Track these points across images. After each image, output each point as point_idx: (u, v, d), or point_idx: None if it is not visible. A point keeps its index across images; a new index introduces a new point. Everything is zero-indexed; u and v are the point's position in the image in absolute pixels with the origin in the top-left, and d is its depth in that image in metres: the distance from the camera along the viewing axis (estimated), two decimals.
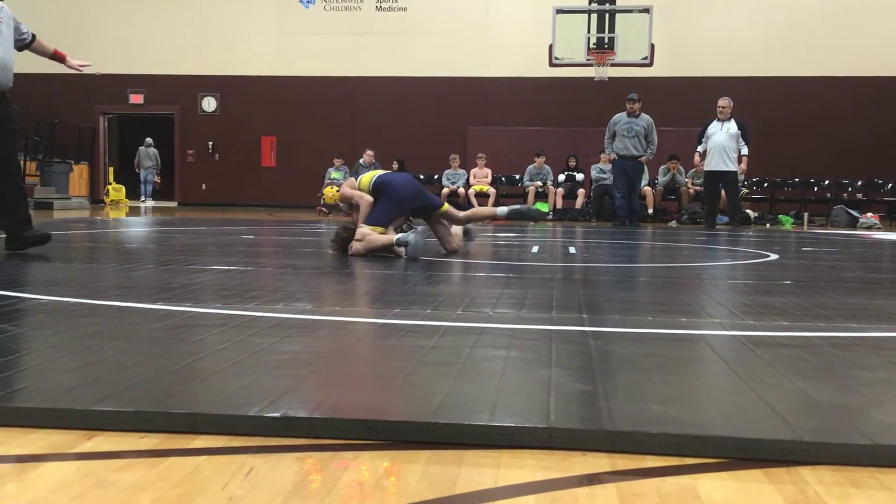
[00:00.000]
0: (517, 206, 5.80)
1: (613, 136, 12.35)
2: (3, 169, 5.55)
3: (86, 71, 6.37)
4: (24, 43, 5.82)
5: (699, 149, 12.19)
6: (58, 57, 6.10)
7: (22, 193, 5.83)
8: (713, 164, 11.84)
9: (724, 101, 11.97)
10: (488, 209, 5.98)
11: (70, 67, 6.17)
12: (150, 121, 20.40)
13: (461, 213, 6.41)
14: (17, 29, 5.74)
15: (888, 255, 7.59)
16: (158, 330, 2.78)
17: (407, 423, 1.73)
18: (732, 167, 11.81)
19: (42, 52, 6.01)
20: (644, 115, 12.29)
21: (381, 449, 1.65)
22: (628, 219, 12.40)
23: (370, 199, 5.99)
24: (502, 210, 6.45)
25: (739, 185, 14.20)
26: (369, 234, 5.82)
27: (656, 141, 12.35)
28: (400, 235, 5.71)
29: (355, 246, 5.80)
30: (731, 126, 11.80)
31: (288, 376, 2.16)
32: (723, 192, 12.24)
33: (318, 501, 1.38)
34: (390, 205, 5.99)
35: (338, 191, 6.52)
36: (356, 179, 6.29)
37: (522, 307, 3.51)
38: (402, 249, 5.61)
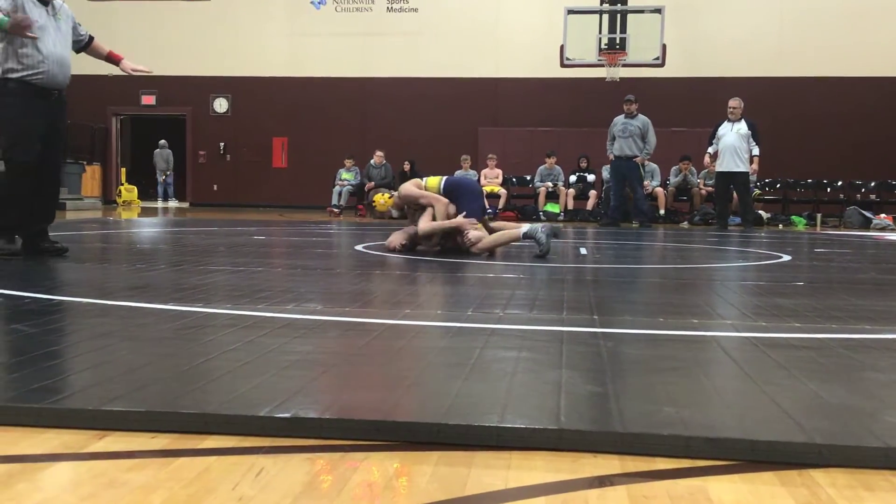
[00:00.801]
0: (534, 228, 5.92)
1: (613, 139, 12.40)
2: (53, 176, 5.44)
3: (139, 72, 6.00)
4: (81, 44, 5.67)
5: (710, 150, 12.10)
6: (113, 59, 5.89)
7: (55, 205, 5.69)
8: (724, 165, 11.75)
9: (734, 102, 11.89)
10: (512, 233, 6.09)
11: (124, 70, 5.92)
12: (162, 122, 20.48)
13: (491, 230, 6.42)
14: (74, 29, 5.59)
15: None
16: (169, 330, 2.79)
17: (417, 424, 1.73)
18: (744, 168, 11.72)
19: (98, 55, 5.82)
20: (641, 116, 12.31)
21: (391, 450, 1.65)
22: (639, 220, 12.41)
23: (446, 199, 6.18)
24: (523, 229, 6.35)
25: (752, 185, 14.17)
26: (482, 233, 6.09)
27: (653, 141, 12.32)
28: (527, 229, 5.97)
29: (480, 245, 6.00)
30: (742, 127, 11.71)
31: (298, 377, 2.16)
32: (734, 193, 12.19)
33: (328, 502, 1.38)
34: (473, 203, 6.25)
35: (390, 197, 6.69)
36: (418, 182, 6.52)
37: (533, 308, 3.50)
38: (535, 242, 5.91)
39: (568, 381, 2.11)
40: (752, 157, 11.76)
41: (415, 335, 2.77)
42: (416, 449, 1.65)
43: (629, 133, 12.20)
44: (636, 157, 12.31)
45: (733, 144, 11.66)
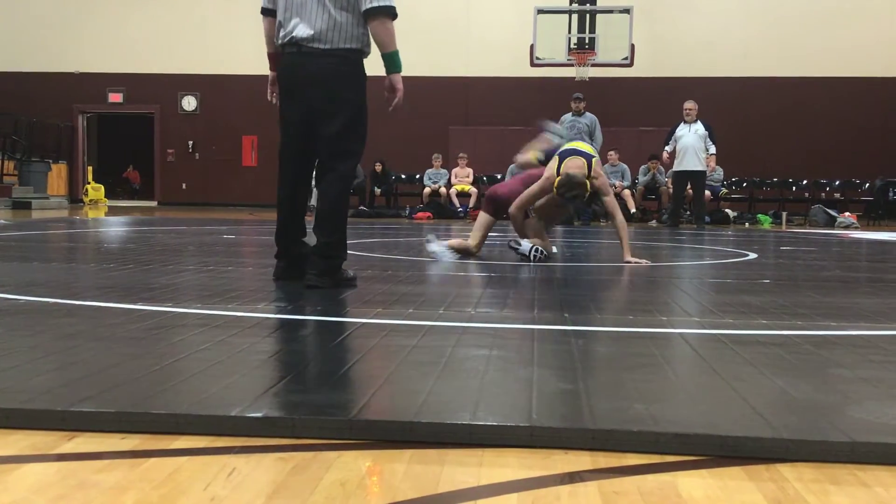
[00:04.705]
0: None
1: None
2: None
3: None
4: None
5: (667, 148, 12.61)
6: None
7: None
8: (685, 164, 12.28)
9: (689, 104, 12.42)
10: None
11: None
12: (129, 120, 20.27)
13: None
14: None
15: (865, 255, 7.67)
16: (139, 330, 2.76)
17: (389, 422, 1.73)
18: (702, 167, 12.32)
19: None
20: (588, 114, 12.45)
21: (364, 448, 1.65)
22: (583, 220, 12.73)
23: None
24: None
25: (718, 185, 14.48)
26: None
27: (601, 139, 12.45)
28: None
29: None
30: (699, 128, 12.26)
31: (269, 376, 2.16)
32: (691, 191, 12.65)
33: (301, 501, 1.38)
34: None
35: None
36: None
37: (504, 306, 3.52)
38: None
39: (539, 378, 2.13)
40: (708, 157, 12.41)
41: (387, 334, 2.77)
42: (388, 447, 1.66)
43: (577, 131, 12.31)
44: None
45: (692, 145, 12.21)
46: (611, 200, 5.80)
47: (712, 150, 12.37)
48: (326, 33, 3.88)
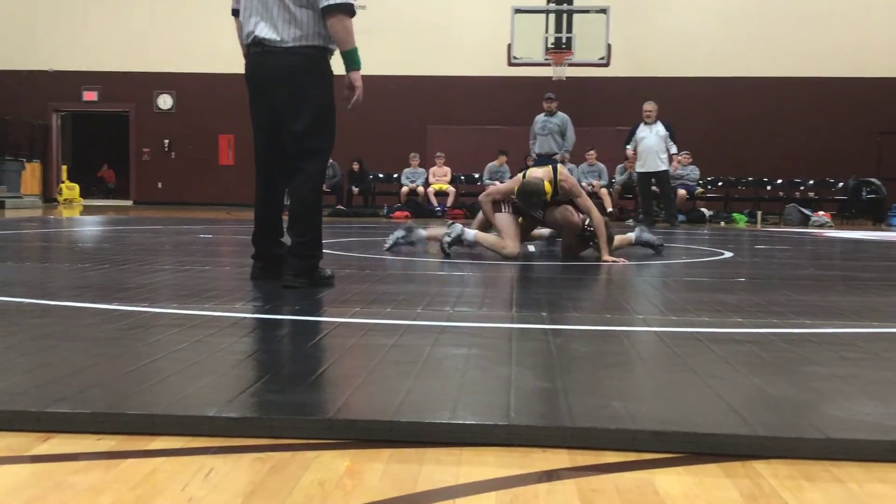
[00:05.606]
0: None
1: (535, 137, 12.58)
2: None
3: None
4: None
5: (629, 148, 12.80)
6: None
7: None
8: (647, 165, 12.51)
9: (649, 106, 12.60)
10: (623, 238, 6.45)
11: None
12: (104, 118, 20.08)
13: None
14: None
15: (839, 253, 7.75)
16: (114, 330, 2.74)
17: (368, 421, 1.73)
18: (664, 167, 12.52)
19: None
20: (560, 114, 12.47)
21: (343, 448, 1.65)
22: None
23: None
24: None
25: (693, 184, 14.61)
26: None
27: (572, 138, 12.47)
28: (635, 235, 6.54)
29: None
30: (660, 128, 12.45)
31: (247, 376, 2.15)
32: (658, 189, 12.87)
33: (279, 501, 1.38)
34: None
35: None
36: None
37: (483, 305, 3.52)
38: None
39: (518, 377, 2.13)
40: (670, 157, 12.64)
41: (365, 333, 2.77)
42: (367, 447, 1.65)
43: (548, 131, 12.36)
44: (556, 154, 12.44)
45: (653, 146, 12.41)
46: (584, 201, 5.96)
47: (673, 150, 12.59)
48: (288, 31, 3.87)
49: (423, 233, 6.40)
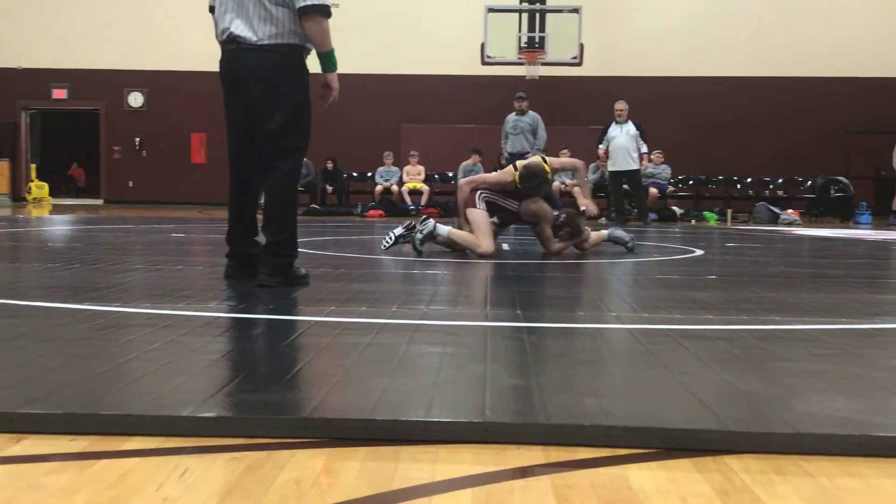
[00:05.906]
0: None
1: (507, 137, 12.65)
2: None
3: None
4: None
5: (601, 147, 12.92)
6: None
7: None
8: (618, 164, 12.66)
9: (620, 105, 12.76)
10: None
11: None
12: (74, 116, 19.86)
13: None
14: None
15: (808, 251, 7.84)
16: (86, 330, 2.72)
17: (344, 420, 1.73)
18: (635, 166, 12.68)
19: None
20: (531, 112, 12.58)
21: (319, 447, 1.65)
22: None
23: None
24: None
25: (665, 182, 14.74)
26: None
27: (544, 137, 12.57)
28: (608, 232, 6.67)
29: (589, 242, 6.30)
30: (631, 128, 12.62)
31: (221, 376, 2.14)
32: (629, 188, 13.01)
33: (255, 501, 1.38)
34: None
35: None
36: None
37: (457, 304, 3.53)
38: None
39: (492, 374, 2.14)
40: (641, 156, 12.78)
41: (340, 332, 2.76)
42: (343, 445, 1.66)
43: (520, 129, 12.45)
44: (528, 153, 12.49)
45: (624, 145, 12.57)
46: (576, 162, 6.68)
47: (644, 149, 12.75)
48: (264, 29, 3.85)
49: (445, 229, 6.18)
